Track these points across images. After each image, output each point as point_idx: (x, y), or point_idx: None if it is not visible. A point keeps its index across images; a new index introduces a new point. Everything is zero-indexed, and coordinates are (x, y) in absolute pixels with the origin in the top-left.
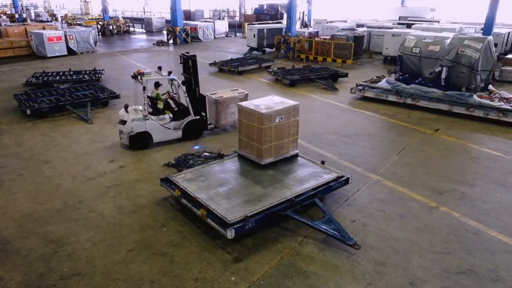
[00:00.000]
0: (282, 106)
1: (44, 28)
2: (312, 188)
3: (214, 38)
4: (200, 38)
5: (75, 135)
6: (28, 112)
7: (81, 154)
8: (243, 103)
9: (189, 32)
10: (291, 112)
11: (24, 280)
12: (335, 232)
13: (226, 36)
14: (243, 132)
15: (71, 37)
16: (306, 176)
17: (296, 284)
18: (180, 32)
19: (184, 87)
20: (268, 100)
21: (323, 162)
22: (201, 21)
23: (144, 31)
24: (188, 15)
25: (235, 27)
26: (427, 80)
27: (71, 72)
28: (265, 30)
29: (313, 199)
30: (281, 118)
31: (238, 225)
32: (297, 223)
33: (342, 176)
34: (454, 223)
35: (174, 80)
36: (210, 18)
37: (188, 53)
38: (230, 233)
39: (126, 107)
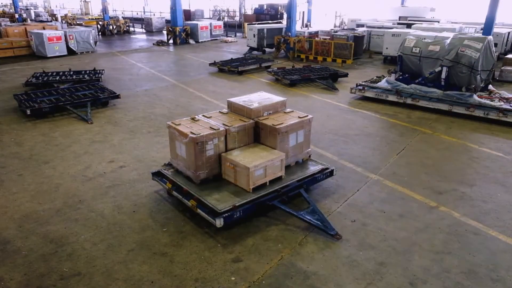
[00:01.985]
0: (269, 101)
1: (44, 28)
2: (298, 180)
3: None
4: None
5: (75, 135)
6: (28, 112)
7: (81, 154)
8: (232, 99)
9: (189, 32)
10: (278, 107)
11: (24, 280)
12: (318, 223)
13: (226, 36)
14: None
15: (71, 37)
16: (293, 168)
17: (296, 284)
18: (180, 32)
19: None
20: (256, 96)
21: (309, 156)
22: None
23: (144, 31)
24: (188, 15)
25: (235, 27)
26: (427, 80)
27: (71, 72)
28: (265, 30)
29: (299, 190)
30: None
31: (226, 214)
32: (297, 223)
33: (327, 168)
34: (454, 223)
35: None
36: (210, 18)
37: None
38: (219, 222)
39: None
